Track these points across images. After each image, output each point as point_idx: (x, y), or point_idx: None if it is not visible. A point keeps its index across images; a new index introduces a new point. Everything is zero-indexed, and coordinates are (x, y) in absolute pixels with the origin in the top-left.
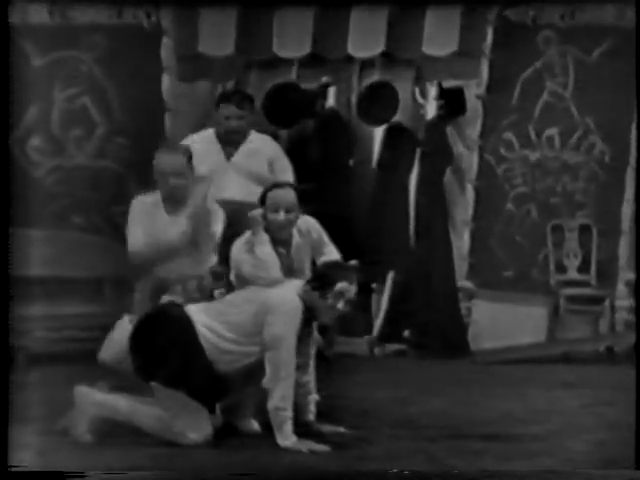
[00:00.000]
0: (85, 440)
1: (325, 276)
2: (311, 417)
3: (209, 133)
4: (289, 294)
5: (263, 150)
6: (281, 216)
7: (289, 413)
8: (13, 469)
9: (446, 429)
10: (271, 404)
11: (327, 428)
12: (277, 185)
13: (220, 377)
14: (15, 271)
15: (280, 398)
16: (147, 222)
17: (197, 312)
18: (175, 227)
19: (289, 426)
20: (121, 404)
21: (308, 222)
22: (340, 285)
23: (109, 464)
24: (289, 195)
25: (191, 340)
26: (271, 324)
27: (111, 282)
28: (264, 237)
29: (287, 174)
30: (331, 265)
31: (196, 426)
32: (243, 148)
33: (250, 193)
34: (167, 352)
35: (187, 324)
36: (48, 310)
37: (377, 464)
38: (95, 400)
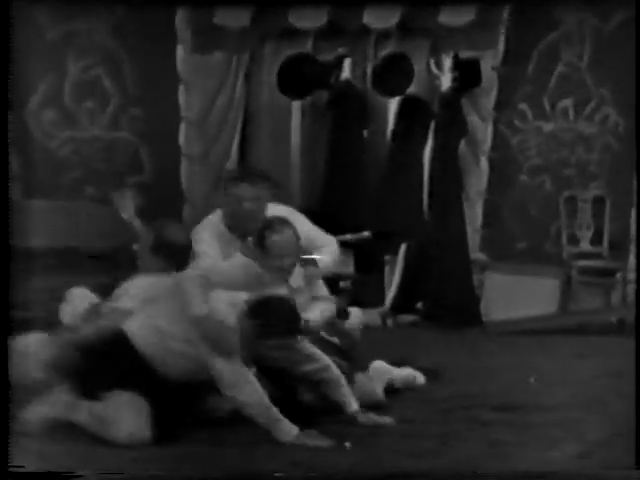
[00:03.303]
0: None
1: None
2: (353, 405)
3: (220, 230)
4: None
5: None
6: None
7: (273, 410)
8: (13, 469)
9: (458, 400)
10: (248, 412)
11: (371, 418)
12: (276, 226)
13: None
14: (28, 243)
15: (253, 403)
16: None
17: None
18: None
19: (283, 421)
20: (62, 399)
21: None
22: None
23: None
24: (292, 240)
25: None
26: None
27: (125, 253)
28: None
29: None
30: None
31: (134, 426)
32: None
33: None
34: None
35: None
36: (60, 281)
37: (390, 436)
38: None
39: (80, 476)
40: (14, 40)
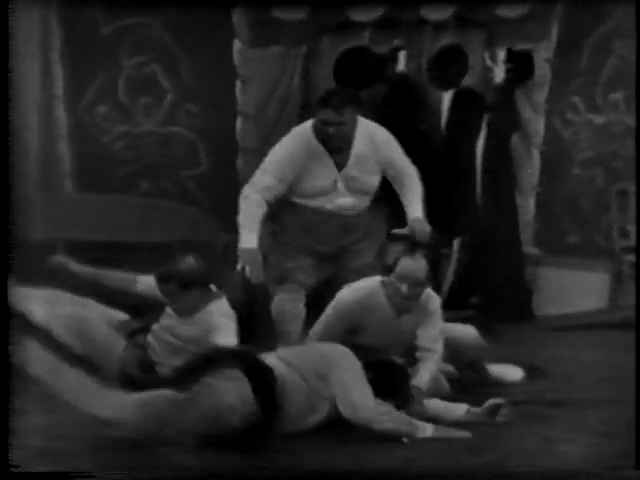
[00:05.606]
0: None
1: None
2: None
3: (309, 137)
4: None
5: (373, 153)
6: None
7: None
8: (14, 469)
9: (509, 395)
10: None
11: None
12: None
13: None
14: (83, 237)
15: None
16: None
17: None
18: None
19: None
20: None
21: None
22: None
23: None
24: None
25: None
26: None
27: (181, 246)
28: None
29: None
30: None
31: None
32: (353, 154)
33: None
34: None
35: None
36: None
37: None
38: None
39: (86, 476)
40: (67, 36)
